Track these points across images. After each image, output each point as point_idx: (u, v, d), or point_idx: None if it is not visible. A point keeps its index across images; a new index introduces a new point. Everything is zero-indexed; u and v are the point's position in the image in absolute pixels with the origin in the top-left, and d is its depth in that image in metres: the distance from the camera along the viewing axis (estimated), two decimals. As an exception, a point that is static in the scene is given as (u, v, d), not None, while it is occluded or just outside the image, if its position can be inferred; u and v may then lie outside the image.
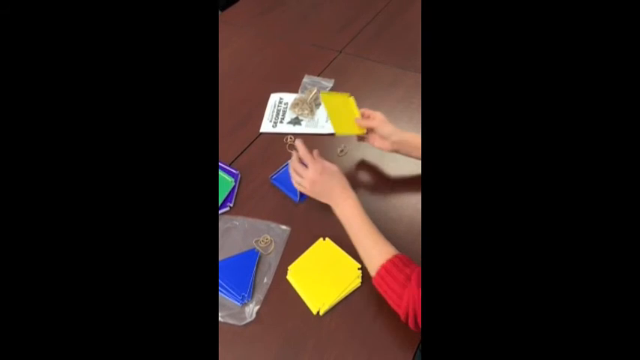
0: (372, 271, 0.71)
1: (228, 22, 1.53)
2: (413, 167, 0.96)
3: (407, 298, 0.63)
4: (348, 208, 0.78)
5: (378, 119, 0.92)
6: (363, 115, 0.94)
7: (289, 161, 0.86)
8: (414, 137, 0.90)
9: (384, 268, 0.68)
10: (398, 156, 0.94)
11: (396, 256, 0.69)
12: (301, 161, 0.84)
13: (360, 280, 0.77)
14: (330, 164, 0.82)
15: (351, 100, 0.97)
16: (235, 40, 1.45)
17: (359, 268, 0.78)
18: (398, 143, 0.90)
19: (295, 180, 0.84)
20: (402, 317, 0.65)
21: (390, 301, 0.68)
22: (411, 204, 0.91)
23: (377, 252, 0.71)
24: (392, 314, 0.70)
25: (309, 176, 0.81)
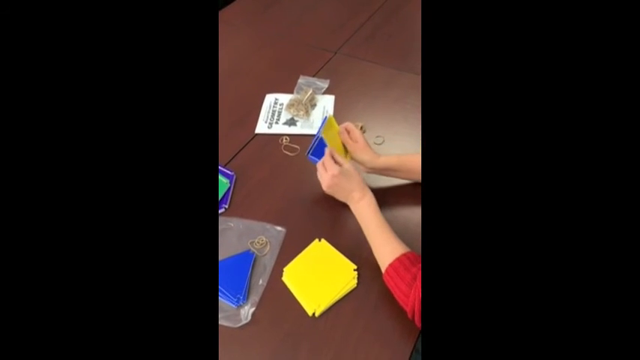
0: (382, 268, 0.72)
1: (223, 22, 1.53)
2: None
3: (413, 297, 0.65)
4: (362, 208, 0.80)
5: (359, 145, 0.90)
6: (346, 129, 0.92)
7: (321, 135, 0.85)
8: (388, 161, 0.90)
9: (392, 267, 0.70)
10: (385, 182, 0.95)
11: (404, 255, 0.70)
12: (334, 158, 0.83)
13: (355, 281, 0.77)
14: (348, 165, 0.82)
15: (331, 119, 0.92)
16: (230, 41, 1.44)
17: (355, 269, 0.78)
18: (373, 169, 0.91)
19: (319, 173, 0.84)
20: (409, 315, 0.67)
21: (398, 299, 0.69)
22: (406, 204, 0.91)
23: (387, 250, 0.73)
24: (388, 315, 0.70)
25: (325, 180, 0.82)
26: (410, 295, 0.65)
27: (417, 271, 0.67)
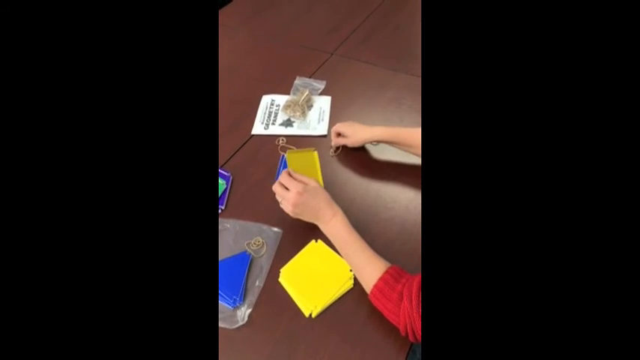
0: (367, 289, 0.71)
1: (219, 24, 1.53)
2: (405, 167, 0.97)
3: (403, 317, 0.64)
4: (335, 226, 0.76)
5: (349, 136, 0.98)
6: (336, 134, 1.01)
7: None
8: (383, 133, 0.95)
9: (377, 288, 0.68)
10: (391, 156, 0.95)
11: (386, 272, 0.68)
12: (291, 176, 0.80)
13: (352, 281, 0.77)
14: (311, 181, 0.79)
15: (315, 155, 0.92)
16: (227, 42, 1.44)
17: (351, 270, 0.78)
18: (379, 141, 0.97)
19: (279, 195, 0.80)
20: (402, 333, 0.66)
21: (387, 318, 0.68)
22: (402, 205, 0.91)
23: (368, 271, 0.71)
24: (384, 315, 0.70)
25: (289, 199, 0.77)
26: (400, 315, 0.64)
27: (402, 287, 0.65)
